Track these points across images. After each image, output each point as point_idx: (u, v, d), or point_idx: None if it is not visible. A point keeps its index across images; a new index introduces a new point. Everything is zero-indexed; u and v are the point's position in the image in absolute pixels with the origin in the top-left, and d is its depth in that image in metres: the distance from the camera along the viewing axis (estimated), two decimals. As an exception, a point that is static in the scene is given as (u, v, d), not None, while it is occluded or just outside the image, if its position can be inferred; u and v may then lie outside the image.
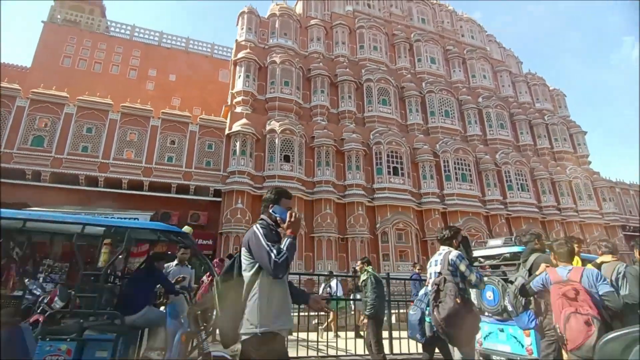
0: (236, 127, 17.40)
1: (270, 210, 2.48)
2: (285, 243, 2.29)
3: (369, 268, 5.80)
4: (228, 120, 18.03)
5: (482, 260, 6.34)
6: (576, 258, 4.24)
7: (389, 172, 19.67)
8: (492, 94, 25.98)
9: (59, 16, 30.46)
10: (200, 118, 17.79)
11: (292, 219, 2.35)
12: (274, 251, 2.20)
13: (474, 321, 3.58)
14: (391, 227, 18.48)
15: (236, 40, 20.60)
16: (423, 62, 25.22)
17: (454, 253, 3.73)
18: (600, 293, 3.08)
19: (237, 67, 19.50)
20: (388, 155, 19.98)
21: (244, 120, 17.78)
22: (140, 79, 27.72)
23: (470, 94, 25.44)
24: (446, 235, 3.90)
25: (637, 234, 26.37)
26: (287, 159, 17.92)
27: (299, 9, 24.31)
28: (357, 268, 6.13)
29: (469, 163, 21.83)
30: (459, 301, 3.38)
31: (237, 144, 17.12)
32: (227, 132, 17.64)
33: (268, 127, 18.16)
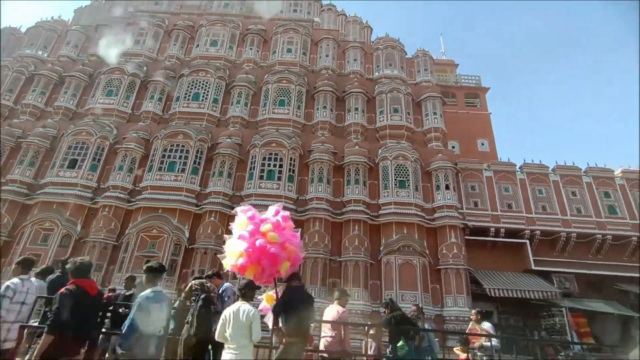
0: None
1: None
2: None
3: None
4: None
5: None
6: None
7: (64, 166, 17.10)
8: (285, 68, 20.93)
9: None
10: None
11: None
12: None
13: None
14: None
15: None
16: (201, 46, 22.10)
17: None
18: None
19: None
20: (73, 147, 17.50)
21: None
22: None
23: (254, 72, 21.01)
24: None
25: (501, 240, 17.20)
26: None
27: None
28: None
29: (189, 149, 17.54)
30: None
31: None
32: None
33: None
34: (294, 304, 4.62)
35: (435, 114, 19.90)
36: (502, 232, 17.13)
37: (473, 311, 7.16)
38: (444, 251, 16.01)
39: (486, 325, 6.57)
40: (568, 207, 17.72)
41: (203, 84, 19.92)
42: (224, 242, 14.87)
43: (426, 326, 6.45)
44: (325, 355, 5.14)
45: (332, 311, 5.53)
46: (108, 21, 23.02)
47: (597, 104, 72.73)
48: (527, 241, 16.93)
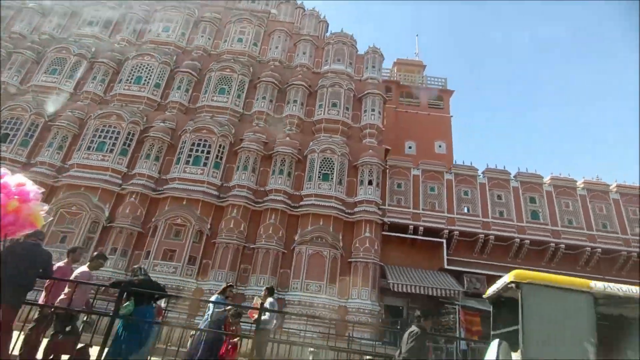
0: None
1: None
2: None
3: None
4: None
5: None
6: None
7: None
8: (233, 57, 21.11)
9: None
10: None
11: None
12: None
13: None
14: None
15: None
16: (153, 31, 22.32)
17: None
18: None
19: None
20: (7, 123, 17.88)
21: None
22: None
23: (202, 59, 21.22)
24: None
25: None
26: None
27: None
28: None
29: (120, 130, 17.85)
30: None
31: None
32: None
33: None
34: (8, 258, 4.86)
35: (373, 110, 20.03)
36: (421, 230, 17.32)
37: (265, 288, 8.04)
38: (357, 245, 16.26)
39: (268, 301, 7.03)
40: (491, 210, 17.88)
41: (147, 68, 20.18)
42: (139, 222, 15.06)
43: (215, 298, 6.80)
44: (57, 311, 5.41)
45: (75, 271, 5.85)
46: (65, 1, 23.29)
47: (554, 116, 72.53)
48: (444, 240, 17.11)
